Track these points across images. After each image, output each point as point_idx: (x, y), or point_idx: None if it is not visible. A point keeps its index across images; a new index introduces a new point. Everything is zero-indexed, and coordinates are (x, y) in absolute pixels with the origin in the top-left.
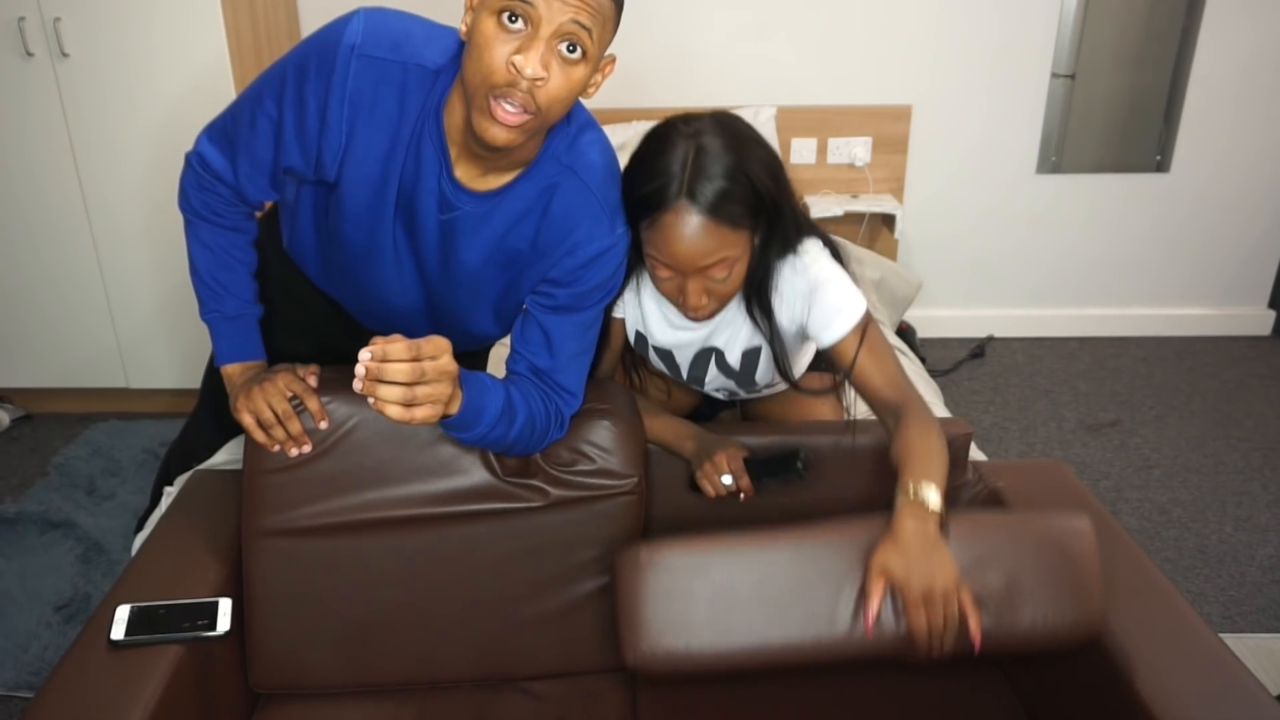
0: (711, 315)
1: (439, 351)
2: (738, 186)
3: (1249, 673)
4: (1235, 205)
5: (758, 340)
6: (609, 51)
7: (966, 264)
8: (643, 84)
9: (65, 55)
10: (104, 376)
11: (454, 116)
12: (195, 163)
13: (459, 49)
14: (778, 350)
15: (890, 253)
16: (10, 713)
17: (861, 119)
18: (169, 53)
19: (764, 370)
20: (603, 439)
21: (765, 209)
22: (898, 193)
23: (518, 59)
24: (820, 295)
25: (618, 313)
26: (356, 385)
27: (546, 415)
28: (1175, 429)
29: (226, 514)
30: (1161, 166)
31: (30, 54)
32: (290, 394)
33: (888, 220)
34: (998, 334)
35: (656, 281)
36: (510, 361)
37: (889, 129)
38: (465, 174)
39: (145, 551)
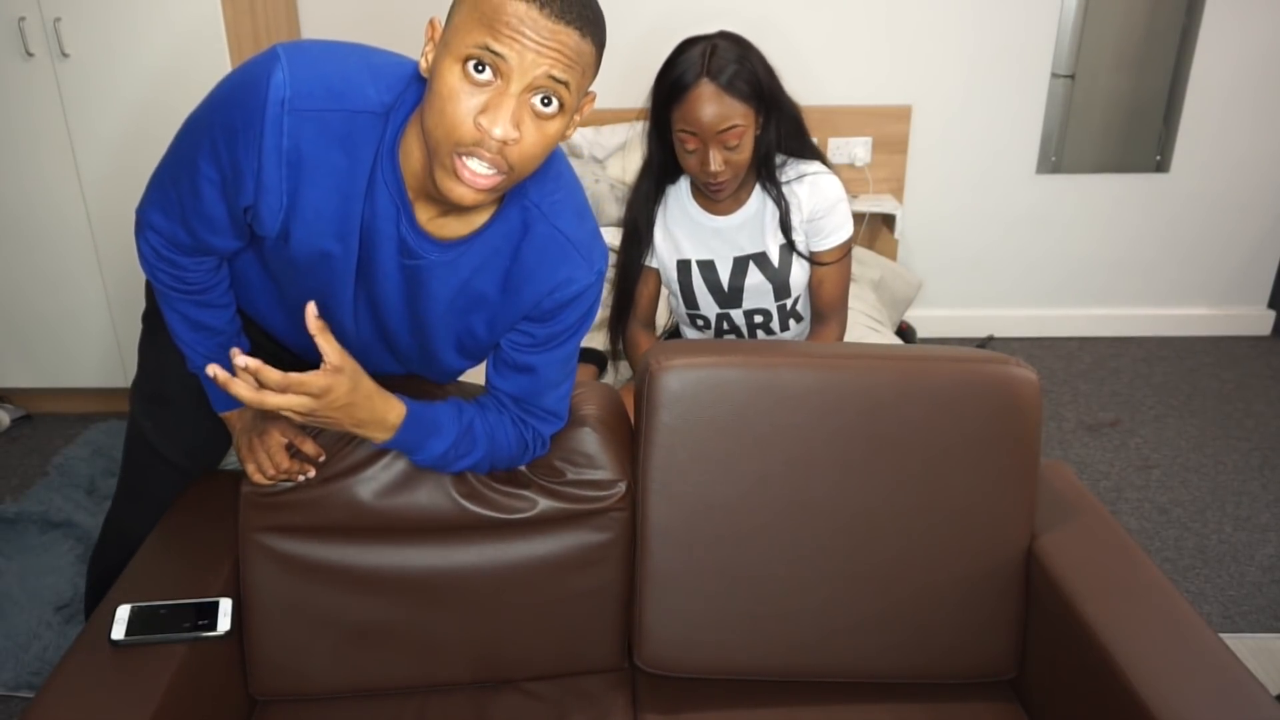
0: (728, 187)
1: (323, 391)
2: (744, 70)
3: (1249, 673)
4: (1234, 205)
5: (783, 238)
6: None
7: (966, 264)
8: (643, 84)
9: (65, 55)
10: (104, 376)
11: (411, 159)
12: (149, 235)
13: (408, 81)
14: (784, 215)
15: (890, 253)
16: (10, 713)
17: (861, 119)
18: (169, 53)
19: (797, 272)
20: (589, 446)
21: (765, 96)
22: (898, 193)
23: (484, 119)
24: (836, 209)
25: (651, 263)
26: (238, 389)
27: (520, 441)
28: (1175, 429)
29: (228, 514)
30: (1161, 167)
31: (30, 54)
32: (286, 442)
33: (888, 220)
34: (998, 334)
35: (683, 159)
36: (489, 384)
37: (889, 129)
38: (426, 219)
39: (145, 551)
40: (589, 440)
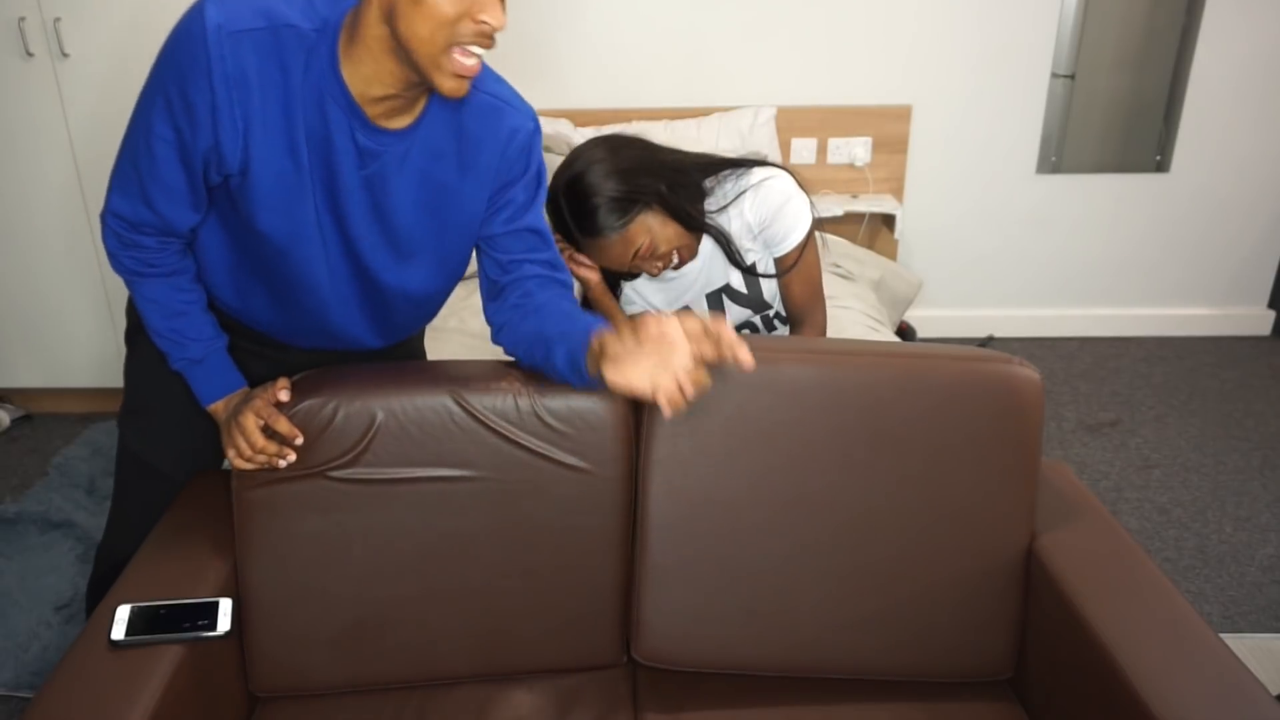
0: (684, 259)
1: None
2: (610, 202)
3: (1249, 673)
4: (1235, 205)
5: (747, 260)
6: None
7: (966, 264)
8: (643, 85)
9: (65, 55)
10: (104, 376)
11: (360, 69)
12: (111, 223)
13: (325, 8)
14: (726, 247)
15: (890, 253)
16: (10, 713)
17: (861, 119)
18: None
19: (768, 287)
20: (597, 411)
21: (647, 191)
22: (898, 193)
23: (487, 17)
24: (784, 211)
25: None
26: None
27: (570, 299)
28: (1175, 429)
29: (227, 514)
30: (1161, 166)
31: (30, 54)
32: (261, 423)
33: (888, 220)
34: (998, 334)
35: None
36: (517, 271)
37: (889, 129)
38: (375, 117)
39: (145, 551)
40: (597, 407)
